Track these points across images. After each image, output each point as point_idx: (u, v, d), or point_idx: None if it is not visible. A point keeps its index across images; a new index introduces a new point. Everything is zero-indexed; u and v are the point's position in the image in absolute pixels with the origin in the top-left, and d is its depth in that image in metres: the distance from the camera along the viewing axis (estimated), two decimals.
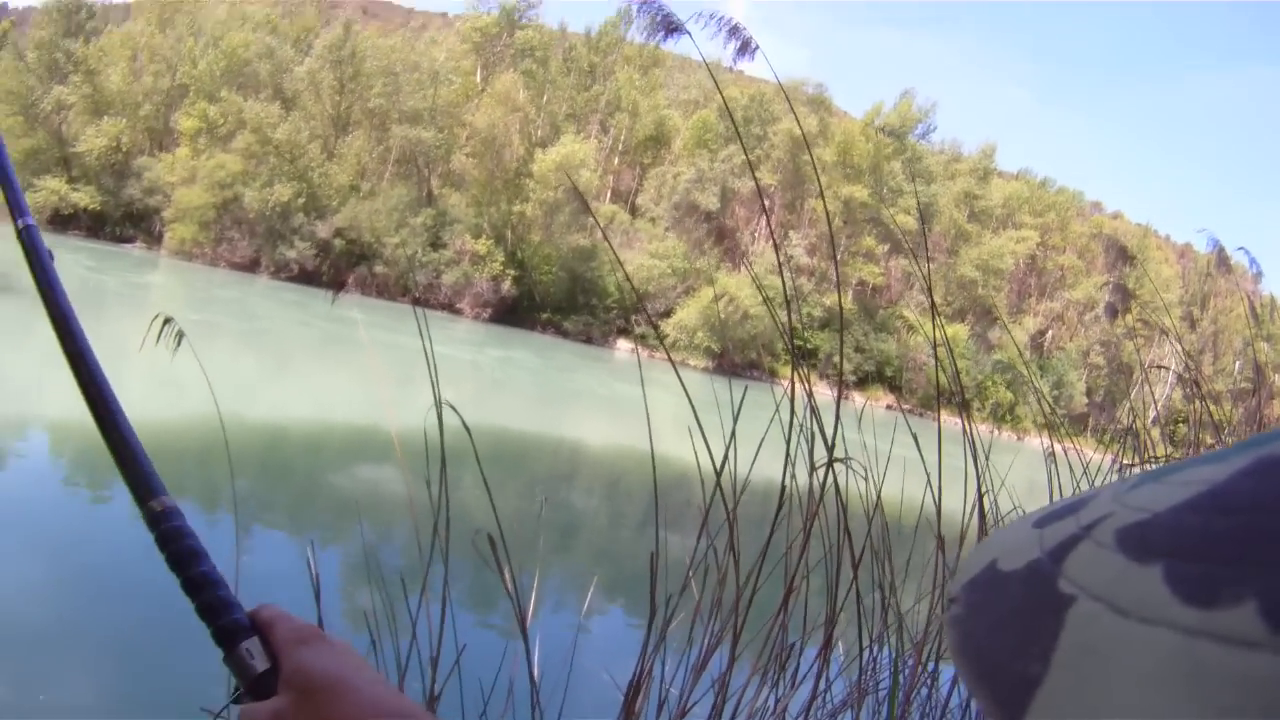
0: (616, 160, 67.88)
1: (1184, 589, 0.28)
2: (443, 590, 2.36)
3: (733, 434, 2.47)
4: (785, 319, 2.67)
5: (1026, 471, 4.50)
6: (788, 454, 2.55)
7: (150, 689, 5.99)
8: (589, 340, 56.87)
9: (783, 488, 2.51)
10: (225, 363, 22.49)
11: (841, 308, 3.05)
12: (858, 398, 4.97)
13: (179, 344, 2.49)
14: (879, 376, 58.49)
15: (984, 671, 0.32)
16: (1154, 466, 0.45)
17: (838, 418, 2.55)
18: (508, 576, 2.63)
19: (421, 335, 2.45)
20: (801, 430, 2.56)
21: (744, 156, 59.12)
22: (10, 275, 29.80)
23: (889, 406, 48.50)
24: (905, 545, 3.14)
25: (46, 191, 55.12)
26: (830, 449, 2.51)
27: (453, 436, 2.41)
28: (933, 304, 3.03)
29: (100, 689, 6.07)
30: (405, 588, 2.39)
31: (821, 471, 2.56)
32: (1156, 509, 0.31)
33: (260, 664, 0.83)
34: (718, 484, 2.43)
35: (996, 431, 47.71)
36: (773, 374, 48.22)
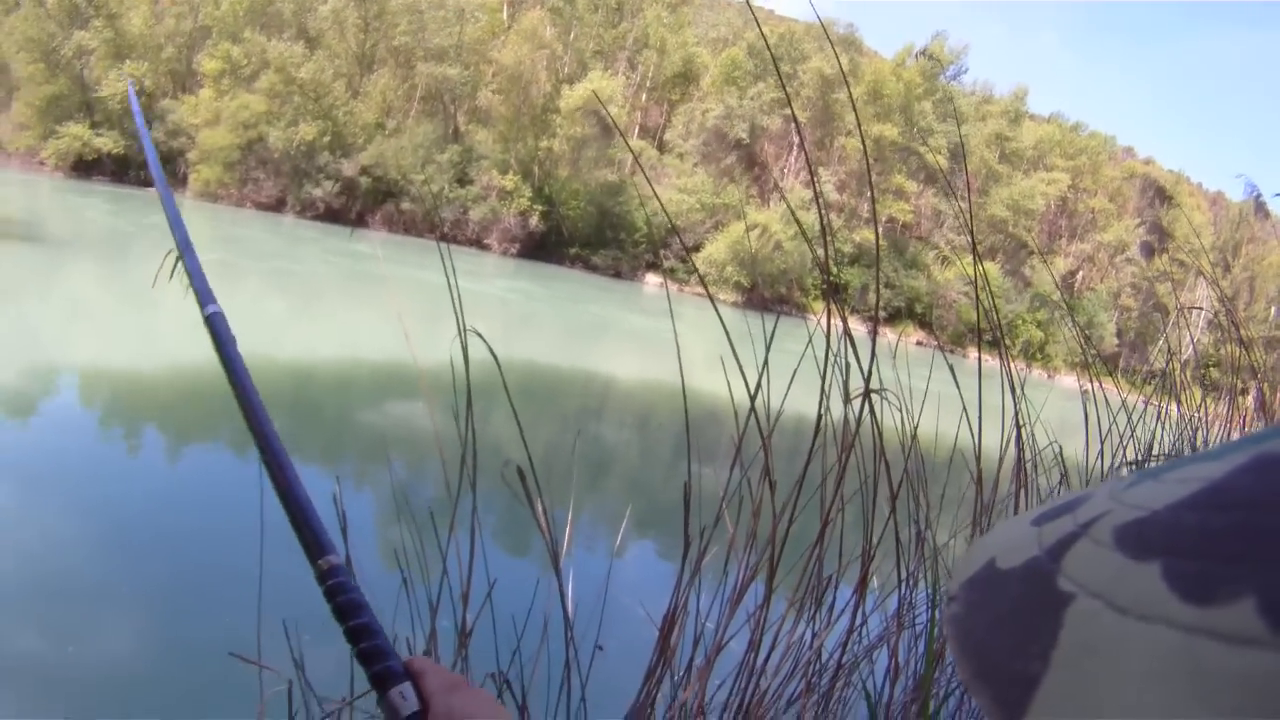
0: (644, 97, 67.27)
1: (1182, 586, 0.28)
2: (471, 524, 2.33)
3: (765, 362, 2.42)
4: (817, 250, 2.61)
5: (1059, 410, 4.47)
6: (822, 385, 2.49)
7: (177, 640, 6.03)
8: (617, 275, 56.76)
9: (819, 417, 2.46)
10: (249, 300, 22.58)
11: (878, 235, 2.97)
12: (888, 333, 4.91)
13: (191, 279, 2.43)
14: (909, 313, 58.34)
15: (984, 670, 0.33)
16: (1151, 465, 0.44)
17: (874, 350, 2.49)
18: (539, 509, 2.60)
19: (444, 265, 2.39)
20: (835, 360, 2.51)
21: (773, 94, 58.72)
22: (42, 224, 30.09)
23: (919, 343, 48.50)
24: (940, 480, 3.11)
25: (69, 138, 55.17)
26: (866, 379, 2.45)
27: (481, 370, 2.38)
28: (974, 240, 2.96)
29: (127, 641, 6.12)
30: (435, 524, 2.36)
31: (856, 403, 2.51)
32: (1154, 507, 0.32)
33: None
34: (751, 411, 2.39)
35: (1028, 369, 47.64)
36: (802, 309, 48.15)
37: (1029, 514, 0.38)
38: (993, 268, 58.27)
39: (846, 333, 2.51)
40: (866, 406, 2.48)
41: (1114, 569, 0.30)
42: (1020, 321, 58.22)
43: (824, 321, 2.51)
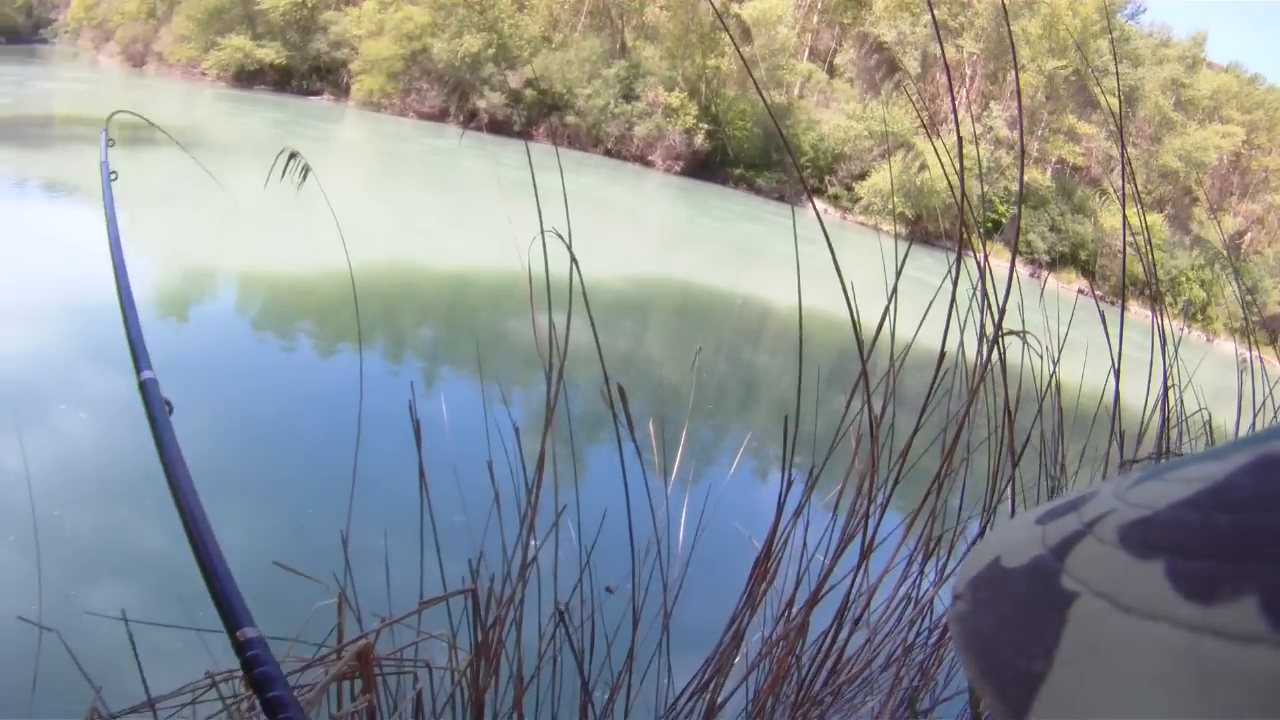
0: (815, 19, 66.04)
1: (1185, 585, 0.28)
2: (570, 442, 2.24)
3: (894, 290, 2.26)
4: (966, 190, 2.42)
5: (1212, 376, 4.21)
6: (950, 316, 2.32)
7: (295, 538, 6.14)
8: (781, 198, 55.91)
9: (942, 354, 2.29)
10: (407, 206, 22.95)
11: (1022, 166, 2.75)
12: (1050, 279, 4.68)
13: (304, 178, 2.39)
14: (1073, 259, 56.54)
15: (988, 668, 0.33)
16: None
17: (1009, 287, 2.30)
18: (652, 431, 2.50)
19: (560, 177, 2.27)
20: (974, 296, 2.34)
21: (948, 21, 56.98)
22: (203, 131, 31.00)
23: (1081, 291, 47.02)
24: (1080, 435, 2.93)
25: (231, 49, 56.30)
26: (1000, 316, 2.26)
27: (642, 289, 2.28)
28: (1136, 190, 2.73)
29: (253, 534, 6.27)
30: (520, 442, 2.26)
31: (992, 344, 2.33)
32: (1158, 506, 0.32)
33: None
34: (874, 340, 2.23)
35: (1187, 329, 45.99)
36: (967, 246, 46.90)
37: (1034, 512, 0.38)
38: (1159, 220, 56.11)
39: (983, 269, 2.33)
40: (998, 348, 2.29)
41: (1118, 568, 0.31)
42: (1183, 279, 55.93)
43: (977, 258, 2.35)
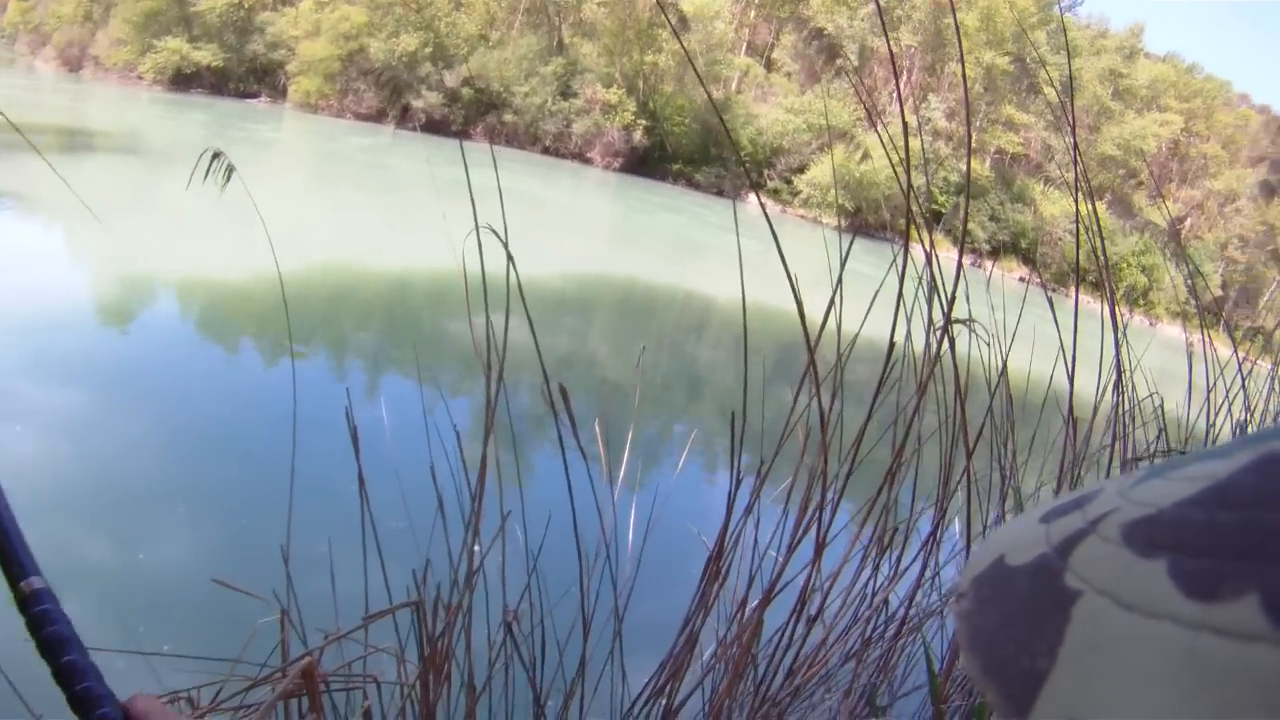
0: (753, 14, 66.28)
1: (1188, 583, 0.28)
2: (513, 445, 2.19)
3: (839, 280, 2.23)
4: (909, 180, 2.40)
5: (1157, 360, 4.24)
6: (898, 308, 2.30)
7: (234, 551, 6.06)
8: (720, 193, 56.00)
9: (891, 345, 2.26)
10: (343, 208, 22.79)
11: (970, 153, 2.74)
12: (990, 267, 4.72)
13: (228, 179, 2.33)
14: (1014, 248, 57.15)
15: (991, 666, 0.33)
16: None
17: (958, 276, 2.27)
18: (598, 432, 2.45)
19: (493, 171, 2.22)
20: (919, 287, 2.32)
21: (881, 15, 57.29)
22: (137, 136, 30.66)
23: (1021, 279, 47.46)
24: (1029, 424, 2.92)
25: (167, 52, 55.45)
26: (949, 306, 2.24)
27: (582, 287, 2.23)
28: (1077, 176, 2.73)
29: (191, 548, 6.18)
30: (461, 445, 2.21)
31: (941, 334, 2.31)
32: (1161, 504, 0.32)
33: None
34: (820, 332, 2.20)
35: (1129, 315, 46.66)
36: (907, 237, 47.31)
37: (1037, 510, 0.38)
38: (1101, 207, 56.86)
39: (929, 258, 2.30)
40: (947, 339, 2.27)
41: (1121, 566, 0.31)
42: (1124, 264, 56.74)
43: (917, 248, 2.33)
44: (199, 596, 4.71)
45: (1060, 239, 55.41)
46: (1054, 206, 56.49)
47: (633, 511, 2.68)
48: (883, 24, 2.66)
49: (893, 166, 2.26)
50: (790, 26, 64.32)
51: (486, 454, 2.02)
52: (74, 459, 7.15)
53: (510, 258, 2.03)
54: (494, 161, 2.26)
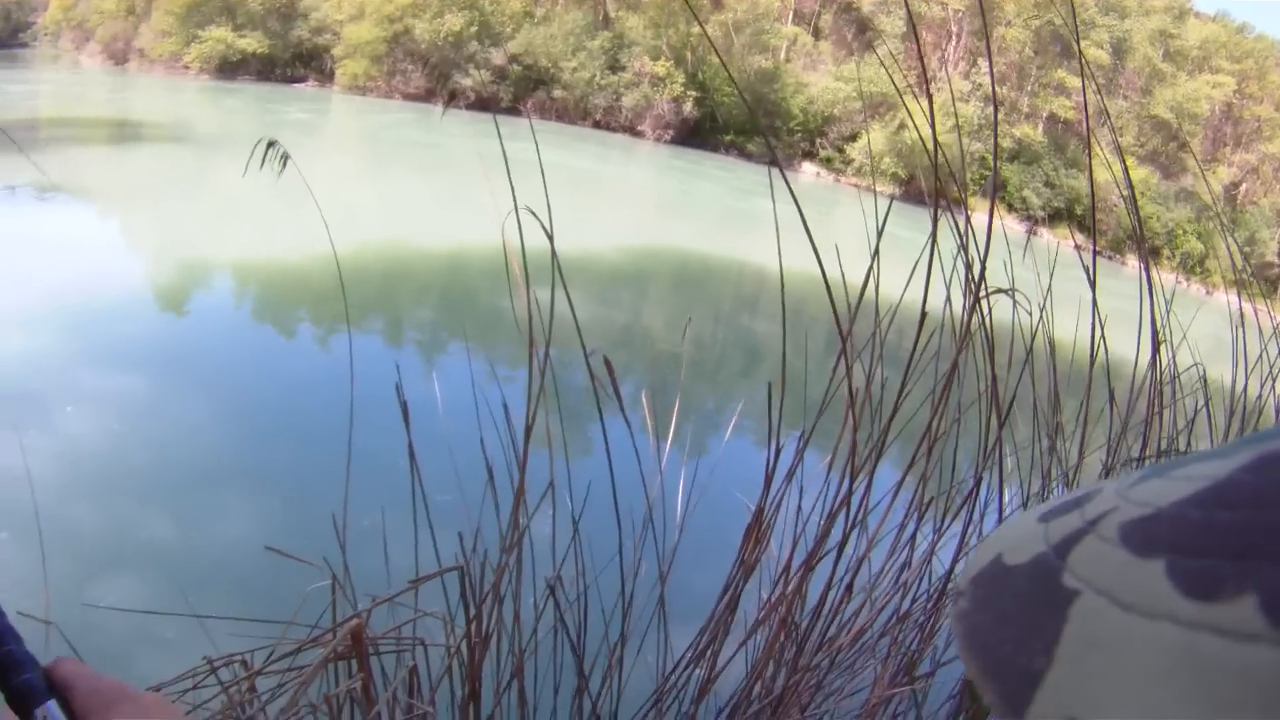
0: None
1: (1186, 583, 0.28)
2: (560, 421, 2.24)
3: (876, 250, 2.26)
4: (959, 148, 2.42)
5: (1210, 329, 4.19)
6: (929, 277, 2.32)
7: (290, 523, 6.18)
8: (773, 163, 55.50)
9: (923, 314, 2.29)
10: (394, 188, 22.94)
11: (996, 121, 2.75)
12: (1046, 234, 4.64)
13: (283, 167, 2.39)
14: (1069, 214, 56.27)
15: (989, 665, 0.33)
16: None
17: (989, 240, 2.29)
18: (645, 402, 2.50)
19: (535, 148, 2.26)
20: (958, 254, 2.33)
21: None
22: (187, 125, 30.97)
23: (1077, 246, 47.01)
24: (1077, 392, 2.92)
25: (212, 41, 55.63)
26: (982, 274, 2.26)
27: (638, 259, 2.28)
28: (1115, 144, 2.72)
29: (249, 521, 6.32)
30: (510, 419, 2.27)
31: (981, 302, 2.33)
32: (1160, 504, 0.32)
33: None
34: (860, 300, 2.23)
35: (1185, 283, 45.79)
36: (959, 204, 46.71)
37: (1036, 510, 0.38)
38: (1151, 175, 55.81)
39: (961, 224, 2.32)
40: (984, 306, 2.29)
41: (1119, 566, 0.31)
42: (1180, 231, 55.66)
43: (955, 215, 2.34)
44: (257, 566, 4.84)
45: (1115, 206, 54.66)
46: (1104, 172, 55.46)
47: (681, 480, 2.72)
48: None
49: (925, 137, 2.27)
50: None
51: (532, 424, 2.08)
52: (137, 439, 7.33)
53: (550, 235, 2.08)
54: (533, 136, 2.31)
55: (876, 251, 2.26)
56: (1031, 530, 0.36)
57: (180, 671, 1.70)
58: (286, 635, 1.74)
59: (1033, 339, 2.58)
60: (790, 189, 2.11)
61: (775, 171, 2.15)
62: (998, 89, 55.22)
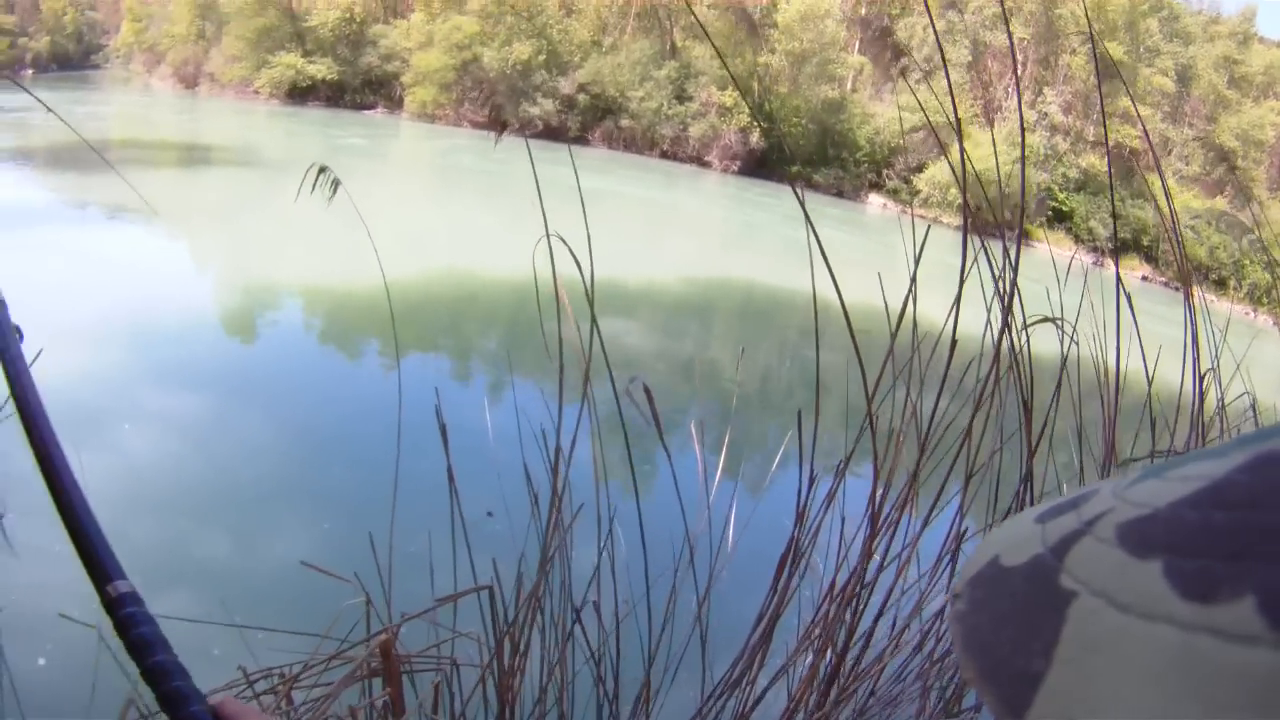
0: (864, 10, 65.54)
1: (1183, 584, 0.28)
2: (599, 445, 2.27)
3: (913, 278, 2.26)
4: (1037, 175, 2.43)
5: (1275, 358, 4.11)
6: (955, 305, 2.32)
7: (332, 543, 6.26)
8: (839, 194, 54.98)
9: (953, 341, 2.29)
10: (458, 215, 23.16)
11: (1024, 141, 2.75)
12: (1111, 265, 4.63)
13: (334, 193, 2.45)
14: (1135, 245, 55.51)
15: (987, 668, 0.33)
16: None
17: (1016, 267, 2.29)
18: (693, 431, 2.51)
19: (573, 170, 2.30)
20: (998, 283, 2.34)
21: (996, 9, 56.40)
22: (254, 149, 31.49)
23: (1144, 277, 46.42)
24: (1131, 425, 2.89)
25: (282, 67, 56.51)
26: (1007, 303, 2.26)
27: (704, 290, 2.31)
28: (1157, 171, 2.71)
29: (294, 541, 6.41)
30: (545, 444, 2.30)
31: (1024, 333, 2.33)
32: (1157, 505, 0.32)
33: None
34: (897, 328, 2.24)
35: (1253, 314, 44.94)
36: (1027, 235, 46.27)
37: (1033, 511, 0.38)
38: (1220, 202, 54.92)
39: (1008, 255, 2.32)
40: (1021, 337, 2.29)
41: (1116, 567, 0.31)
42: (1248, 261, 54.67)
43: (1045, 249, 2.35)
44: (299, 584, 4.92)
45: (1181, 236, 53.69)
46: (1175, 202, 54.68)
47: (730, 509, 2.73)
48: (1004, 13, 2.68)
49: (977, 171, 2.28)
50: (856, 27, 63.42)
51: (559, 452, 2.10)
52: (193, 456, 7.48)
53: (579, 264, 2.11)
54: (572, 164, 2.35)
55: (914, 279, 2.27)
56: (1028, 531, 0.36)
57: (218, 681, 1.74)
58: (320, 650, 1.77)
59: (1070, 367, 2.56)
60: (805, 210, 2.13)
61: (838, 200, 2.15)
62: (1063, 119, 54.68)
